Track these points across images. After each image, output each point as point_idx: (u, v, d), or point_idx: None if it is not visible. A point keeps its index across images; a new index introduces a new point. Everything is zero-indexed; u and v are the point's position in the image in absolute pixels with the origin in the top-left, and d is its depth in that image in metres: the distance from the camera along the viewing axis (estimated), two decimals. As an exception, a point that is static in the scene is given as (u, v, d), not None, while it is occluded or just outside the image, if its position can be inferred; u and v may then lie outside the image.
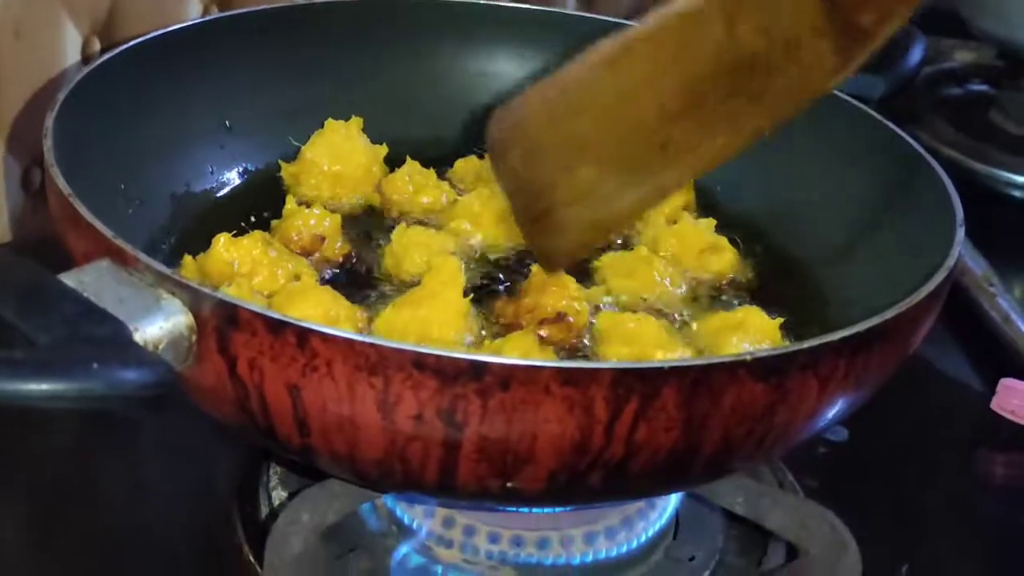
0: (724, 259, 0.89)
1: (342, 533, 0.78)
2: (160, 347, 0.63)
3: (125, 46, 0.86)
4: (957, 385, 1.06)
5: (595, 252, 0.88)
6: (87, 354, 0.58)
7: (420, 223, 0.91)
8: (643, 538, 0.80)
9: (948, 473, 0.97)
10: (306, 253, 0.87)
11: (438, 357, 0.61)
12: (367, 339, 0.62)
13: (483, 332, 0.82)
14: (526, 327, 0.81)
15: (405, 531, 0.79)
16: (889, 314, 0.68)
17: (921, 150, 0.86)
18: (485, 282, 0.87)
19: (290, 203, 0.89)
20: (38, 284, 0.63)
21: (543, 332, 0.82)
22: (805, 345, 0.65)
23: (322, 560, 0.75)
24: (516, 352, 0.76)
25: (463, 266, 0.84)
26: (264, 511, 0.81)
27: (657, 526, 0.81)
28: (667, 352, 0.79)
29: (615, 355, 0.79)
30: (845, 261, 0.88)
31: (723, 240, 0.90)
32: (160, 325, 0.63)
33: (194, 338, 0.64)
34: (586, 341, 0.82)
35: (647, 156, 0.71)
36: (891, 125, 0.88)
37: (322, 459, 0.68)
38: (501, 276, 0.88)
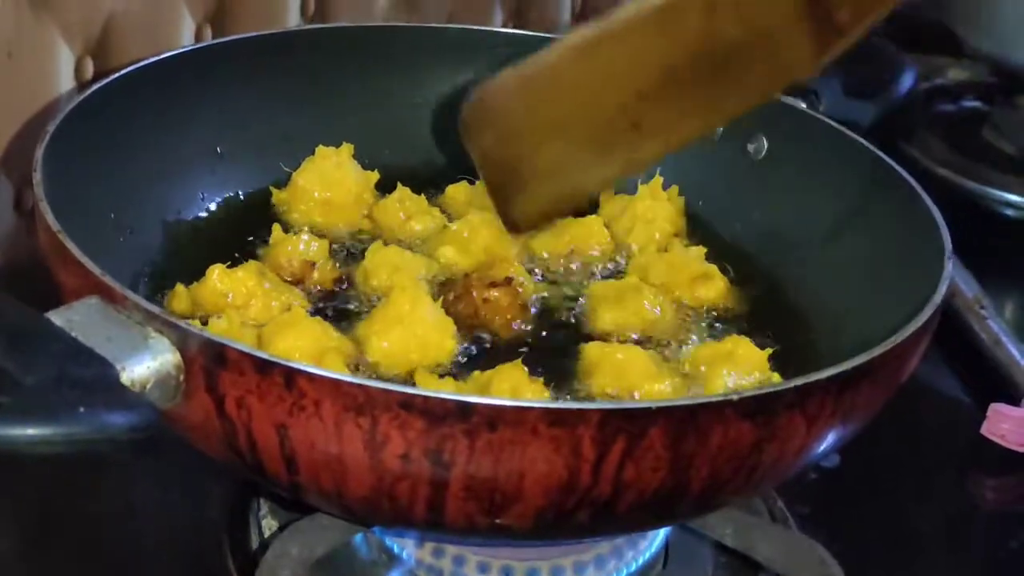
0: (715, 288, 0.89)
1: (332, 564, 0.78)
2: (148, 386, 0.63)
3: (115, 75, 0.86)
4: (948, 408, 1.05)
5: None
6: (74, 398, 0.58)
7: (410, 247, 0.91)
8: (632, 567, 0.80)
9: (939, 498, 0.97)
10: (297, 280, 0.87)
11: (425, 398, 0.61)
12: (354, 380, 0.62)
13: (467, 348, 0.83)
14: (476, 295, 0.83)
15: (395, 560, 0.79)
16: (876, 351, 0.68)
17: (912, 181, 0.85)
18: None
19: (276, 232, 0.89)
20: (26, 323, 0.63)
21: (490, 294, 0.84)
22: (791, 384, 0.65)
23: (312, 593, 0.75)
24: (505, 384, 0.76)
25: (427, 283, 0.86)
26: (255, 541, 0.81)
27: (647, 555, 0.81)
28: (656, 384, 0.79)
29: (603, 387, 0.79)
30: (835, 289, 0.88)
31: (714, 268, 0.90)
32: (148, 364, 0.63)
33: (182, 377, 0.64)
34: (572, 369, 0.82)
35: (620, 135, 0.71)
36: (882, 155, 0.88)
37: (310, 495, 0.68)
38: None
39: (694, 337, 0.87)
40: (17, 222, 1.08)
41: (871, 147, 0.89)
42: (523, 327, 0.86)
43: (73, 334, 0.63)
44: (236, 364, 0.63)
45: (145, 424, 0.59)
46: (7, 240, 1.07)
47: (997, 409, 0.98)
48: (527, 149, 0.74)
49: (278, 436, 0.64)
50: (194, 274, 0.84)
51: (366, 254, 0.88)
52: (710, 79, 0.68)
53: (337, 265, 0.89)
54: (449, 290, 0.86)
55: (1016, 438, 0.97)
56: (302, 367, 0.62)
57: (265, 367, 0.62)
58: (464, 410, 0.61)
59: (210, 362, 0.63)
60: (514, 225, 0.78)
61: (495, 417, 0.61)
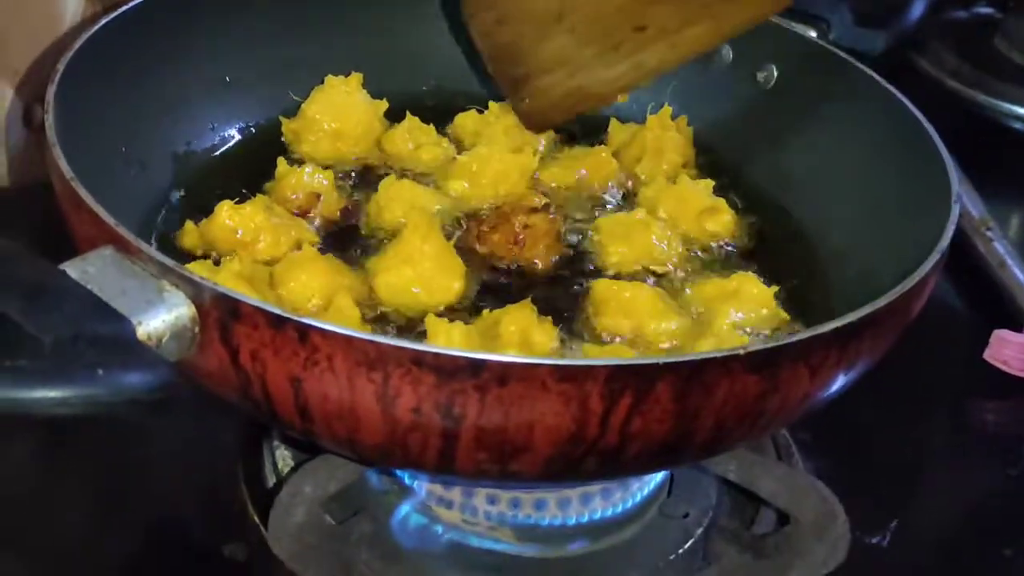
0: (722, 221, 0.89)
1: (345, 496, 0.80)
2: (163, 340, 0.64)
3: (124, 8, 0.86)
4: (951, 332, 1.06)
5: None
6: (92, 358, 0.59)
7: (419, 178, 0.92)
8: (638, 498, 0.82)
9: (941, 422, 0.98)
10: (303, 212, 0.87)
11: (436, 355, 0.62)
12: (367, 336, 0.62)
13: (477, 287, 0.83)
14: (516, 222, 0.84)
15: (406, 491, 0.81)
16: (881, 302, 0.69)
17: (922, 117, 0.85)
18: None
19: (282, 165, 0.89)
20: (42, 279, 0.63)
21: (530, 220, 0.85)
22: (796, 338, 0.66)
23: (325, 527, 0.77)
24: (514, 325, 0.76)
25: (441, 219, 0.86)
26: (270, 475, 0.82)
27: (651, 486, 0.82)
28: (663, 323, 0.80)
29: (611, 326, 0.80)
30: (842, 221, 0.89)
31: (721, 202, 0.90)
32: (163, 318, 0.64)
33: (197, 329, 0.65)
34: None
35: (624, 34, 0.72)
36: (892, 88, 0.87)
37: (323, 441, 0.69)
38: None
39: (701, 271, 0.87)
40: (28, 137, 1.08)
41: (881, 80, 0.88)
42: (557, 258, 0.86)
43: (89, 286, 0.64)
44: (250, 318, 0.63)
45: (162, 384, 0.60)
46: (19, 156, 1.07)
47: (1000, 335, 0.99)
48: (528, 37, 0.73)
49: (292, 388, 0.65)
50: (206, 206, 0.84)
51: (379, 187, 0.88)
52: None
53: (346, 195, 0.90)
54: (481, 222, 0.86)
55: (1019, 364, 0.99)
56: (315, 323, 0.63)
57: (279, 322, 0.63)
58: (475, 366, 0.62)
59: (225, 315, 0.64)
60: (528, 118, 0.77)
61: (505, 373, 0.62)
